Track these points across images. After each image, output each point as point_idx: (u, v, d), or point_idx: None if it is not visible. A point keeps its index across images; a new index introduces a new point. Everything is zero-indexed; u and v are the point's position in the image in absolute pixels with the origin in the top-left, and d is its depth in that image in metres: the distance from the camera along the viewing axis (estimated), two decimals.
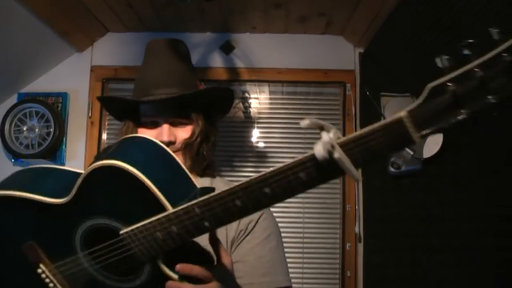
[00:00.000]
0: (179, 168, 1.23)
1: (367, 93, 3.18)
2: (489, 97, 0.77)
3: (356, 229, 3.11)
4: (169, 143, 1.59)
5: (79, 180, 1.14)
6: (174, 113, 1.64)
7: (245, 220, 1.58)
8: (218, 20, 3.16)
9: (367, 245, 3.10)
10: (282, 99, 3.37)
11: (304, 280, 3.13)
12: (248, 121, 3.33)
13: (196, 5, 2.85)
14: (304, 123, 0.94)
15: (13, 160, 3.21)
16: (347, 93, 3.26)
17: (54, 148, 3.17)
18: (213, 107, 1.78)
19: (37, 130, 3.15)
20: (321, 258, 3.17)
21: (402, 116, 0.83)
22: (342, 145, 0.90)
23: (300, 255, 3.15)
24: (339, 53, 3.32)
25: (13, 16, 2.62)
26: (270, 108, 3.36)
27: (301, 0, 2.84)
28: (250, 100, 3.35)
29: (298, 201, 3.20)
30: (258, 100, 3.36)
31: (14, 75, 3.15)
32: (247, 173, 3.25)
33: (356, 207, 3.13)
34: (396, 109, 3.07)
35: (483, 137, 2.99)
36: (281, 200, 1.00)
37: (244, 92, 3.36)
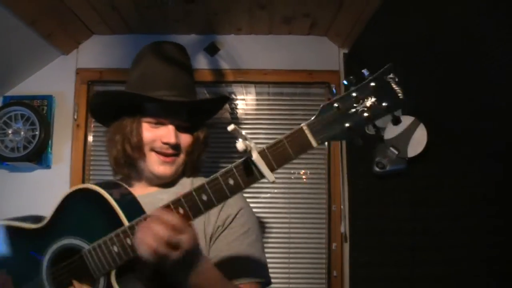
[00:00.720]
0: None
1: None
2: (365, 113, 1.11)
3: (342, 229, 3.13)
4: (174, 146, 1.65)
5: (54, 206, 1.23)
6: (182, 117, 1.70)
7: (222, 216, 1.61)
8: (202, 22, 3.16)
9: (353, 244, 3.12)
10: (268, 100, 3.38)
11: (291, 281, 3.14)
12: (235, 122, 3.32)
13: (180, 7, 2.85)
14: (230, 128, 1.16)
15: None
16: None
17: (40, 151, 3.16)
18: (209, 112, 1.94)
19: (22, 133, 3.14)
20: (307, 258, 3.18)
21: (303, 127, 1.17)
22: (259, 152, 1.18)
23: (286, 255, 3.16)
24: (323, 54, 3.34)
25: None
26: (257, 109, 3.37)
27: (285, 1, 2.85)
28: (237, 101, 3.36)
29: (283, 202, 3.21)
30: (245, 101, 3.37)
31: None
32: None
33: (342, 207, 3.15)
34: None
35: (466, 137, 3.01)
36: (217, 204, 1.23)
37: (230, 93, 3.36)
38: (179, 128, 1.69)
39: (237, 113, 3.34)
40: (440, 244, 3.07)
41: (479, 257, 3.04)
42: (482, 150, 3.01)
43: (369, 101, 1.12)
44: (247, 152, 1.15)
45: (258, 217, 1.75)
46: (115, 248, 1.22)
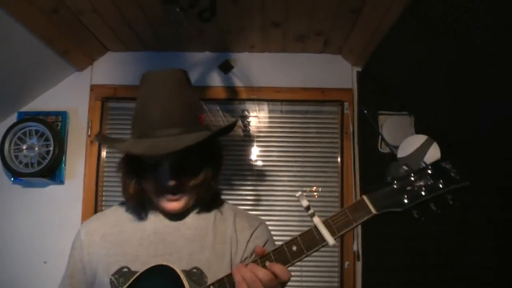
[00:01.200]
0: None
1: (365, 111, 3.20)
2: (422, 192, 1.30)
3: (355, 247, 3.11)
4: (173, 188, 1.52)
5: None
6: (178, 154, 1.46)
7: (250, 247, 1.61)
8: (216, 40, 3.18)
9: (366, 263, 3.10)
10: (281, 117, 3.39)
11: None
12: (248, 139, 3.34)
13: (195, 25, 2.87)
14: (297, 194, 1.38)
15: (12, 179, 3.22)
16: (345, 111, 3.27)
17: (54, 167, 3.18)
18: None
19: (36, 148, 3.16)
20: (320, 277, 3.16)
21: (364, 198, 1.33)
22: (323, 221, 1.33)
23: (299, 273, 3.14)
24: (337, 72, 3.35)
25: (13, 36, 2.64)
26: (269, 127, 3.38)
27: (298, 20, 2.86)
28: (250, 119, 3.36)
29: (296, 220, 3.20)
30: (258, 118, 3.38)
31: (14, 94, 3.17)
32: (246, 191, 3.25)
33: None
34: (394, 127, 3.10)
35: (478, 155, 3.00)
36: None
37: (243, 110, 3.37)
38: (181, 164, 1.52)
39: (249, 130, 3.34)
40: (453, 263, 3.05)
41: (490, 277, 3.02)
42: (496, 171, 2.99)
43: (425, 181, 1.31)
44: (308, 211, 1.34)
45: (272, 235, 1.74)
46: None
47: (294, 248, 1.31)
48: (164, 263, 1.44)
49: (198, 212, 1.66)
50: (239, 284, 1.25)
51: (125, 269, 1.54)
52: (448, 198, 1.30)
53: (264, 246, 1.60)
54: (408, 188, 1.30)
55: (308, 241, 1.31)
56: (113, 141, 1.70)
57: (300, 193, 1.33)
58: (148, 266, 1.47)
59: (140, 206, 1.66)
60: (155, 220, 1.64)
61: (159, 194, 1.56)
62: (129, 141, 1.57)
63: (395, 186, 1.32)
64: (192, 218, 1.64)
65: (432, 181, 1.30)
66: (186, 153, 1.45)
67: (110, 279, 1.53)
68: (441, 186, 1.28)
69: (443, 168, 1.32)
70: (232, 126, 1.62)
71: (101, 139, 1.73)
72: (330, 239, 1.28)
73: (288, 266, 1.30)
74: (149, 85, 1.56)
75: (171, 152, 1.42)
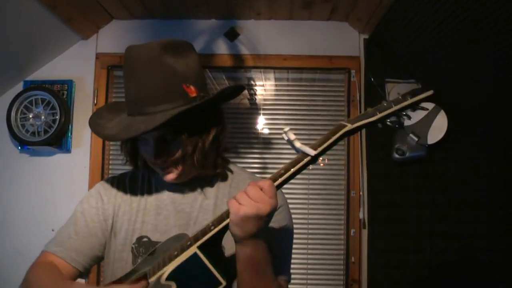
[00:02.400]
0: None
1: (372, 79, 3.17)
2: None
3: (361, 215, 3.12)
4: (161, 162, 1.49)
5: None
6: (159, 131, 1.43)
7: None
8: (222, 7, 3.15)
9: (372, 231, 3.12)
10: (288, 85, 3.37)
11: (309, 266, 3.15)
12: (254, 108, 3.34)
13: None
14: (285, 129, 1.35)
15: (19, 148, 3.23)
16: (352, 79, 3.25)
17: (60, 135, 3.18)
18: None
19: (43, 117, 3.16)
20: (325, 244, 3.19)
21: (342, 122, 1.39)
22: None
23: (305, 241, 3.17)
24: (344, 40, 3.32)
25: (17, 4, 2.62)
26: (276, 95, 3.37)
27: None
28: (256, 87, 3.35)
29: (302, 188, 3.22)
30: (264, 86, 3.36)
31: (19, 63, 3.16)
32: (253, 159, 3.27)
33: (361, 193, 3.14)
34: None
35: (487, 123, 2.99)
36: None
37: (249, 79, 3.36)
38: (164, 140, 1.48)
39: (255, 99, 3.33)
40: (458, 232, 3.06)
41: (499, 246, 3.03)
42: (503, 137, 2.98)
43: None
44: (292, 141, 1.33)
45: (287, 203, 1.72)
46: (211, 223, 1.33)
47: (282, 171, 1.33)
48: (183, 233, 1.46)
49: (208, 182, 1.64)
50: (230, 203, 1.27)
51: (145, 239, 1.54)
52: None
53: (279, 211, 1.59)
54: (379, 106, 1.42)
55: (294, 161, 1.33)
56: (101, 119, 1.60)
57: (288, 128, 1.34)
58: (167, 237, 1.49)
59: (151, 174, 1.65)
60: (167, 189, 1.63)
61: (154, 166, 1.54)
62: (119, 117, 1.55)
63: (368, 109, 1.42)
64: (204, 188, 1.63)
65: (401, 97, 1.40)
66: (168, 128, 1.42)
67: (131, 247, 1.53)
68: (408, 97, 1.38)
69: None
70: (216, 97, 1.50)
71: (96, 115, 1.63)
72: (310, 151, 1.31)
73: (277, 185, 1.32)
74: (126, 63, 1.49)
75: (138, 134, 1.40)
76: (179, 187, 1.62)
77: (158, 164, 1.50)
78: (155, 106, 1.43)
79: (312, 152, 1.30)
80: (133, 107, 1.46)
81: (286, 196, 1.63)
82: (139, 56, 1.45)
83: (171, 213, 1.58)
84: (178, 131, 1.45)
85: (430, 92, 1.37)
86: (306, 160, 1.31)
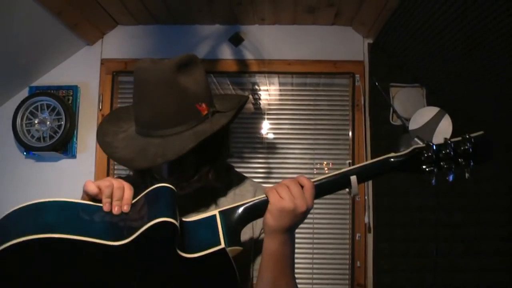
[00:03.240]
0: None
1: (376, 83, 3.18)
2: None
3: (366, 220, 3.12)
4: (174, 180, 1.47)
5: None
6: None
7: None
8: (226, 12, 3.16)
9: (377, 235, 3.11)
10: (292, 90, 3.38)
11: (314, 271, 3.15)
12: (258, 113, 3.34)
13: None
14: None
15: (25, 153, 3.24)
16: (356, 84, 3.26)
17: (66, 141, 3.19)
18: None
19: (48, 123, 3.17)
20: (331, 249, 3.19)
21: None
22: None
23: (310, 245, 3.17)
24: (348, 44, 3.32)
25: (23, 10, 2.63)
26: (280, 100, 3.37)
27: None
28: (260, 92, 3.36)
29: None
30: (268, 91, 3.37)
31: (25, 69, 3.17)
32: (257, 165, 3.27)
33: (366, 197, 3.14)
34: (405, 99, 3.09)
35: (492, 126, 2.99)
36: None
37: (253, 83, 3.37)
38: (178, 162, 1.43)
39: (260, 103, 3.34)
40: (463, 236, 3.06)
41: (504, 249, 3.02)
42: (507, 140, 2.98)
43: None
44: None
45: None
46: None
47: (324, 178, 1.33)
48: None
49: (216, 188, 1.64)
50: (270, 193, 1.29)
51: None
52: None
53: None
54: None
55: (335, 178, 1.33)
56: (105, 144, 1.53)
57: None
58: None
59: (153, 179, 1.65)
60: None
61: (162, 181, 1.53)
62: (126, 133, 1.53)
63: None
64: (210, 197, 1.65)
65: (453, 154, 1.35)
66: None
67: None
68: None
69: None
70: (231, 120, 1.50)
71: (100, 139, 1.58)
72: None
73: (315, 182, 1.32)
74: (138, 84, 1.47)
75: (157, 164, 1.39)
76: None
77: (170, 181, 1.44)
78: (169, 128, 1.43)
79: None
80: (146, 127, 1.45)
81: None
82: (151, 78, 1.44)
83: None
84: (193, 151, 1.42)
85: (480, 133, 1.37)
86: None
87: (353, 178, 1.30)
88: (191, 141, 1.38)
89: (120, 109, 1.63)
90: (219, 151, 1.56)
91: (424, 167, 1.33)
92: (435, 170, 1.33)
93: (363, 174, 1.33)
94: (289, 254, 1.37)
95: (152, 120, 1.44)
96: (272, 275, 1.37)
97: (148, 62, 1.47)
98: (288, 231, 1.31)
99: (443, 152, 1.32)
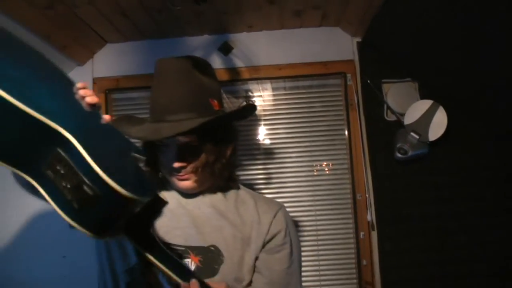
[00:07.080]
0: None
1: (368, 81, 3.19)
2: None
3: (369, 217, 3.12)
4: (180, 168, 1.59)
5: None
6: (183, 138, 1.57)
7: (273, 230, 1.66)
8: (214, 22, 3.17)
9: (381, 232, 3.11)
10: (285, 94, 3.38)
11: (321, 273, 3.15)
12: (253, 119, 3.34)
13: (191, 9, 2.86)
14: None
15: None
16: (348, 83, 3.26)
17: None
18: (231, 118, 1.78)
19: None
20: (336, 249, 3.19)
21: None
22: None
23: (315, 247, 3.16)
24: (337, 44, 3.33)
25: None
26: (274, 105, 3.38)
27: None
28: (254, 99, 3.36)
29: (308, 195, 3.22)
30: (262, 97, 3.38)
31: None
32: (256, 171, 3.27)
33: (367, 195, 3.14)
34: (398, 94, 3.10)
35: (487, 116, 3.00)
36: None
37: (246, 91, 3.38)
38: (187, 147, 1.58)
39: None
40: (468, 227, 3.06)
41: (507, 236, 3.03)
42: (503, 130, 2.99)
43: None
44: None
45: (291, 219, 1.77)
46: None
47: None
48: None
49: (217, 193, 1.72)
50: None
51: None
52: None
53: (285, 229, 1.68)
54: None
55: None
56: (124, 125, 1.70)
57: None
58: (168, 236, 1.56)
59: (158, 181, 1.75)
60: (176, 195, 1.71)
61: (171, 174, 1.63)
62: (141, 126, 1.65)
63: None
64: (212, 198, 1.69)
65: None
66: (193, 136, 1.55)
67: None
68: None
69: None
70: (240, 111, 1.75)
71: (117, 121, 1.71)
72: None
73: None
74: (158, 73, 1.64)
75: (170, 136, 1.50)
76: (190, 195, 1.70)
77: (177, 170, 1.59)
78: (183, 113, 1.56)
79: None
80: (160, 113, 1.58)
81: (292, 206, 1.67)
82: (172, 67, 1.62)
83: (175, 216, 1.66)
84: (202, 139, 1.57)
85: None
86: None
87: None
88: (194, 124, 1.49)
89: (140, 118, 1.76)
90: (226, 146, 1.68)
91: None
92: None
93: None
94: None
95: (168, 105, 1.57)
96: None
97: (169, 58, 1.65)
98: None
99: None
